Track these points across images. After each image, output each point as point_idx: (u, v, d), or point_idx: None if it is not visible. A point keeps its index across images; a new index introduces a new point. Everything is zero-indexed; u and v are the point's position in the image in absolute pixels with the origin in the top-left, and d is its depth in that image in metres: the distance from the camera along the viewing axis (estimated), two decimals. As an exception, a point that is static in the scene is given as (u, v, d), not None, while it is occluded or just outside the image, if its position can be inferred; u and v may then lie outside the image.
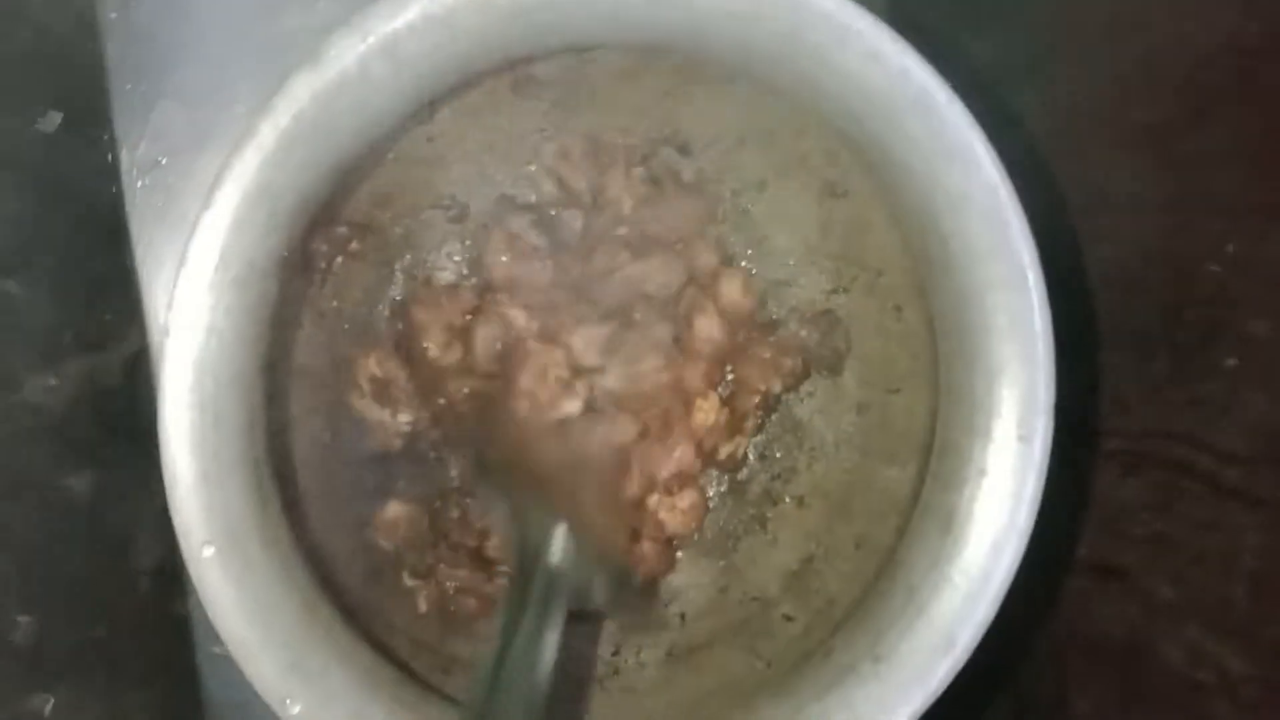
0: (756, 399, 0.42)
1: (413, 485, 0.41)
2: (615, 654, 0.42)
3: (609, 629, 0.42)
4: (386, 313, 0.40)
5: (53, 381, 0.52)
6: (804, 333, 0.42)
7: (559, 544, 0.34)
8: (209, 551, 0.28)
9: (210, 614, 0.29)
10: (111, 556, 0.52)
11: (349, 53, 0.28)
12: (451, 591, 0.40)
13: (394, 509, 0.40)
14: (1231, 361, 0.51)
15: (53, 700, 0.46)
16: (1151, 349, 0.53)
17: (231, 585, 0.28)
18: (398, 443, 0.40)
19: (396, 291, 0.41)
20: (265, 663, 0.29)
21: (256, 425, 0.30)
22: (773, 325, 0.42)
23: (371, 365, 0.39)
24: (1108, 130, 0.54)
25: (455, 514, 0.41)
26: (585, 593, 0.34)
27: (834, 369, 0.43)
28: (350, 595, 0.38)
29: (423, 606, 0.40)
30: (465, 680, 0.38)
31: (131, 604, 0.52)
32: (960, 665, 0.33)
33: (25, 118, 0.48)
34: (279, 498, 0.31)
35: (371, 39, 0.28)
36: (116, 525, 0.51)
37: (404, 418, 0.40)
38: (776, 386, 0.42)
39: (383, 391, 0.39)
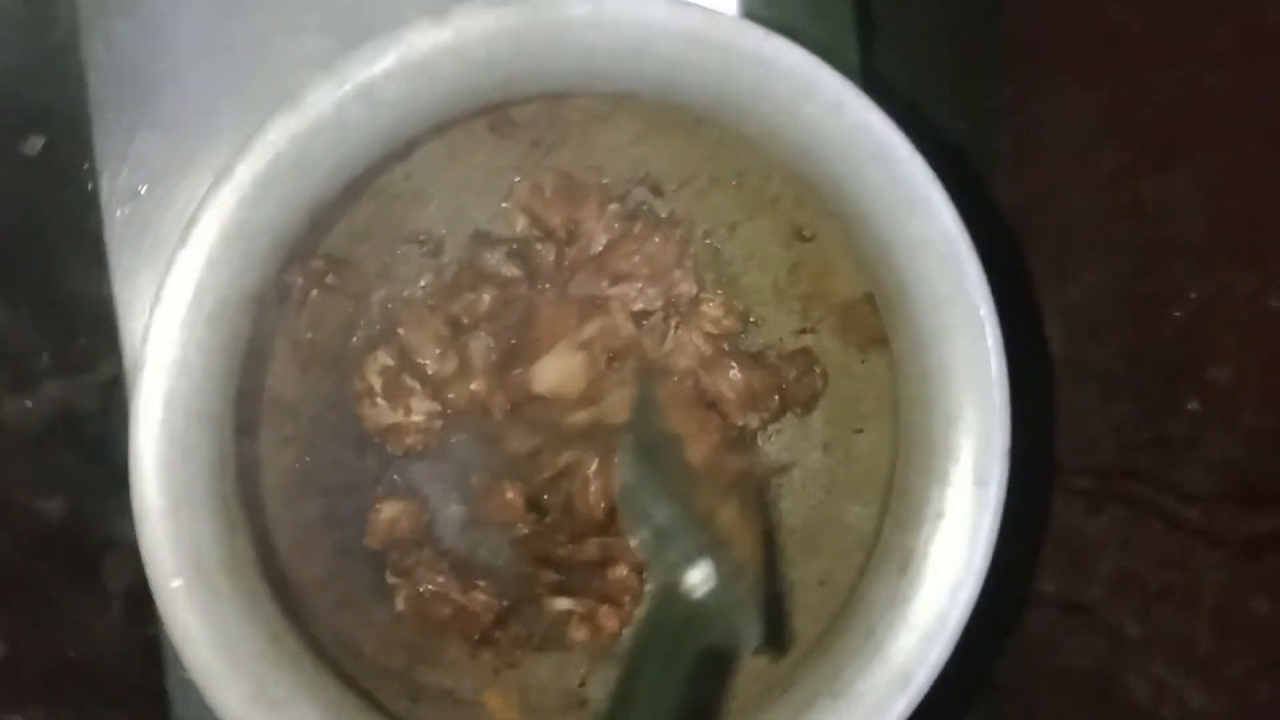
0: (733, 433, 0.43)
1: (415, 483, 0.42)
2: (581, 685, 0.42)
3: (575, 659, 0.42)
4: (361, 344, 0.41)
5: (29, 404, 0.52)
6: (783, 369, 0.43)
7: (704, 573, 0.31)
8: (177, 583, 0.28)
9: (177, 644, 0.29)
10: (84, 579, 0.52)
11: (326, 97, 0.29)
12: (428, 595, 0.41)
13: (391, 507, 0.41)
14: (1193, 405, 0.52)
15: (23, 721, 0.46)
16: (1116, 388, 0.54)
17: (198, 616, 0.29)
18: (418, 442, 0.40)
19: (374, 322, 0.41)
20: (230, 693, 0.29)
21: (226, 458, 0.30)
22: (754, 359, 0.43)
23: (381, 358, 0.39)
24: (1079, 174, 0.55)
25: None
26: (727, 630, 0.31)
27: (807, 407, 0.43)
28: (319, 624, 0.38)
29: (400, 605, 0.40)
30: (433, 710, 0.39)
31: (103, 626, 0.52)
32: (916, 702, 0.34)
33: (8, 140, 0.49)
34: (248, 529, 0.31)
35: (349, 85, 0.29)
36: (89, 548, 0.52)
37: (420, 411, 0.40)
38: (753, 422, 0.43)
39: (394, 386, 0.40)
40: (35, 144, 0.49)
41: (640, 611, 0.40)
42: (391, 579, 0.41)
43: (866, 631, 0.35)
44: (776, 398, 0.42)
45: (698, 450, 0.36)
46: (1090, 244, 0.56)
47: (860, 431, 0.42)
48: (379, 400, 0.38)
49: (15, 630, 0.52)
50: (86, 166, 0.43)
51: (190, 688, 0.46)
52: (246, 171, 0.29)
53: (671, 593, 0.30)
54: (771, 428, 0.44)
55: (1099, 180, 0.55)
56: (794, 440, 0.44)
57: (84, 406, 0.51)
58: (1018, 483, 0.48)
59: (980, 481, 0.34)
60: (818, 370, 0.42)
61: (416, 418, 0.40)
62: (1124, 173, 0.55)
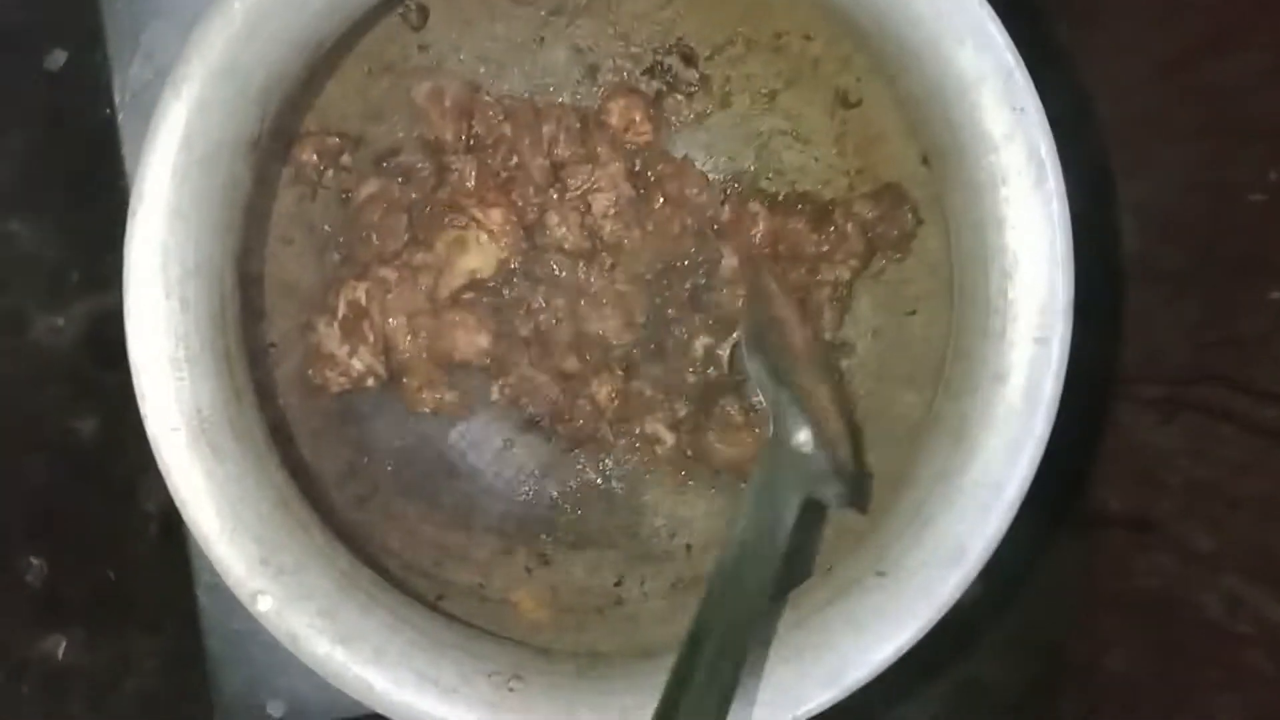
0: (826, 290, 0.41)
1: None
2: (618, 584, 0.40)
3: (611, 558, 0.41)
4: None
5: (60, 322, 0.52)
6: (864, 211, 0.40)
7: (808, 436, 0.35)
8: (177, 437, 0.27)
9: (177, 502, 0.28)
10: (119, 500, 0.52)
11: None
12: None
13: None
14: (1275, 295, 0.49)
15: (65, 642, 0.46)
16: (1189, 287, 0.51)
17: (200, 473, 0.27)
18: (341, 384, 0.38)
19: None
20: (235, 556, 0.27)
21: (228, 314, 0.29)
22: (824, 211, 0.40)
23: (358, 290, 0.37)
24: (1138, 60, 0.52)
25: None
26: (823, 485, 0.35)
27: (900, 247, 0.40)
28: (340, 517, 0.37)
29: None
30: (459, 605, 0.37)
31: (139, 547, 0.52)
32: (971, 578, 0.31)
33: (32, 55, 0.47)
34: (254, 394, 0.30)
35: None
36: (123, 468, 0.51)
37: (360, 363, 0.38)
38: (844, 274, 0.40)
39: (354, 325, 0.38)
40: (58, 58, 0.48)
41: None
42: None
43: (915, 508, 0.32)
44: (860, 243, 0.39)
45: (797, 336, 0.39)
46: (1156, 134, 0.52)
47: (912, 313, 0.39)
48: (335, 325, 0.36)
49: (55, 552, 0.51)
50: (99, 59, 0.41)
51: (218, 596, 0.46)
52: (238, 4, 0.27)
53: (784, 446, 0.35)
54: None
55: (1160, 66, 0.52)
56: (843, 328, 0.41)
57: (115, 323, 0.50)
58: (1083, 395, 0.45)
59: (1041, 339, 0.31)
60: (906, 207, 0.39)
61: (356, 364, 0.38)
62: (1185, 57, 0.52)
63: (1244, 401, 0.49)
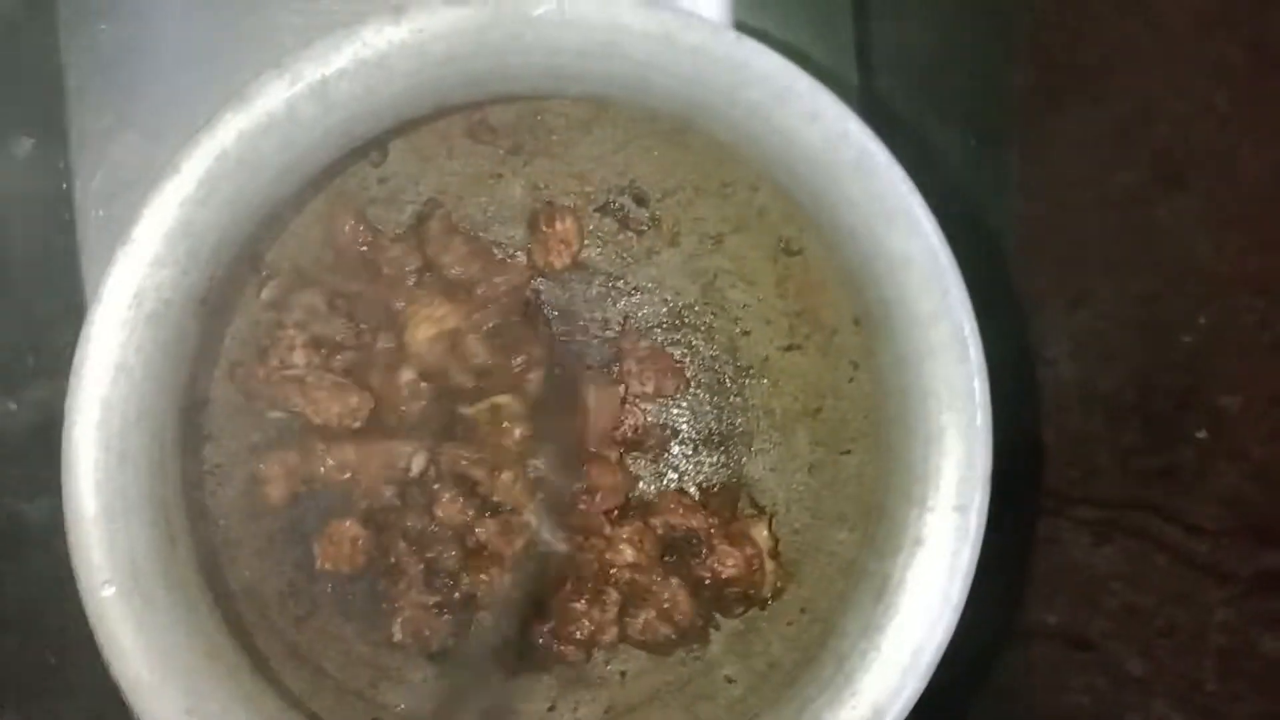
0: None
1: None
2: (551, 709, 0.41)
3: (546, 683, 0.41)
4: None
5: (12, 407, 0.52)
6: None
7: None
8: (108, 591, 0.27)
9: (106, 655, 0.28)
10: (65, 583, 0.52)
11: (277, 95, 0.28)
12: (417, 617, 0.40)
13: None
14: (1202, 434, 0.50)
15: (-1, 725, 0.46)
16: (1125, 416, 0.52)
17: (130, 626, 0.28)
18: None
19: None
20: (161, 707, 0.28)
21: (169, 465, 0.29)
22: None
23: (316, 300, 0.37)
24: (1089, 194, 0.54)
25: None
26: None
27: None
28: (277, 639, 0.37)
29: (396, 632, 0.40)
30: (390, 731, 0.38)
31: (83, 632, 0.52)
32: (886, 740, 0.32)
33: (-1, 143, 0.48)
34: (190, 539, 0.30)
35: (301, 84, 0.28)
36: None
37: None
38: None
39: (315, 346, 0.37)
40: (25, 145, 0.49)
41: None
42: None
43: (838, 661, 0.33)
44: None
45: None
46: (1100, 266, 0.54)
47: (847, 453, 0.40)
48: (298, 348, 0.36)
49: (-5, 635, 0.51)
50: (62, 165, 0.42)
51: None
52: (191, 169, 0.28)
53: None
54: (754, 447, 0.43)
55: (1109, 201, 0.53)
56: (779, 461, 0.42)
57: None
58: (1022, 513, 0.46)
59: (960, 508, 0.32)
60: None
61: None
62: (1135, 193, 0.53)
63: (1175, 533, 0.50)
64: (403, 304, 0.37)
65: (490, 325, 0.38)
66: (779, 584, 0.40)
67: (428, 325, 0.37)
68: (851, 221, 0.32)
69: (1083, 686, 0.55)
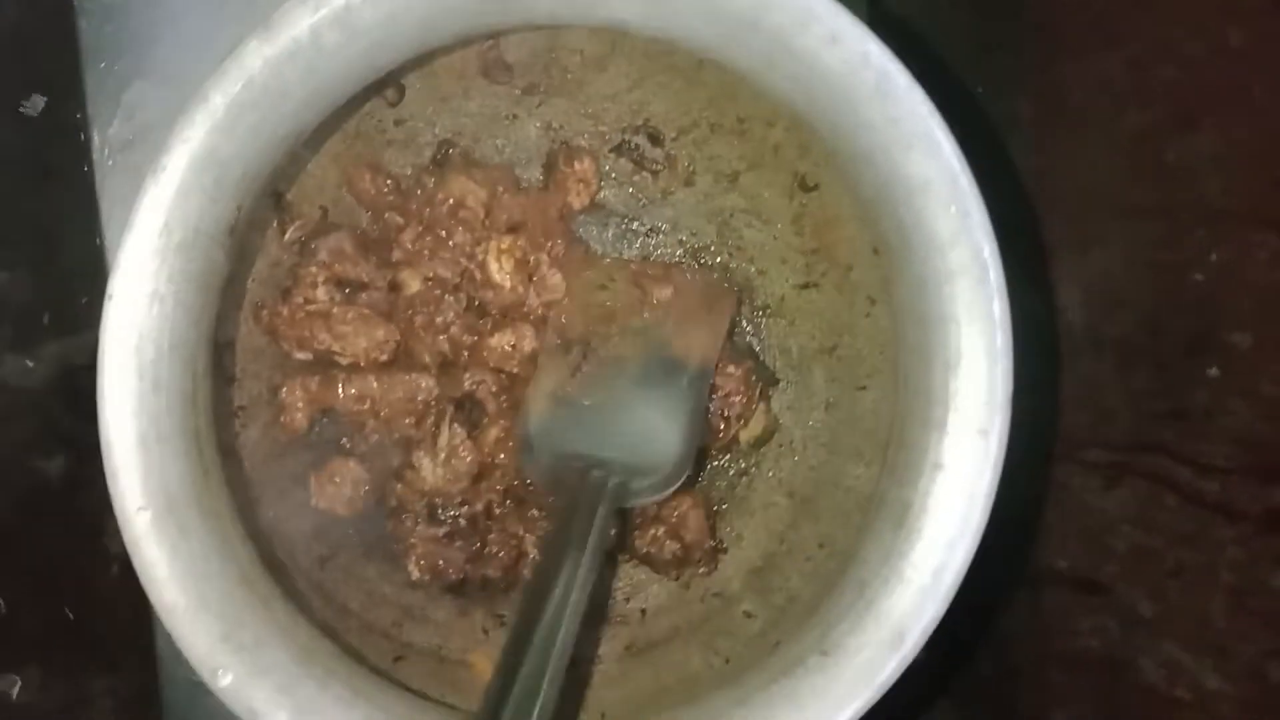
0: None
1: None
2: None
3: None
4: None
5: (29, 364, 0.52)
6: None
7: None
8: (144, 516, 0.28)
9: (143, 580, 0.29)
10: (82, 538, 0.52)
11: (302, 21, 0.28)
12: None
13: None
14: (1213, 372, 0.50)
15: (20, 682, 0.46)
16: (1136, 359, 0.53)
17: (165, 551, 0.28)
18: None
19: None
20: (197, 632, 0.28)
21: (200, 395, 0.30)
22: None
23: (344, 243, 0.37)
24: (1098, 134, 0.54)
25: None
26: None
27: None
28: (303, 578, 0.37)
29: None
30: (417, 668, 0.38)
31: (101, 587, 0.52)
32: (909, 660, 0.32)
33: (10, 102, 0.48)
34: (221, 471, 0.30)
35: (325, 9, 0.28)
36: (89, 508, 0.51)
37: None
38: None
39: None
40: (37, 104, 0.49)
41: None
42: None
43: (859, 588, 0.33)
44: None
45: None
46: (1112, 210, 0.54)
47: (863, 389, 0.41)
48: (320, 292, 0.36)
49: (14, 590, 0.51)
50: (79, 116, 0.42)
51: (176, 646, 0.46)
52: (219, 96, 0.28)
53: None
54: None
55: (1121, 143, 0.53)
56: (795, 399, 0.43)
57: (84, 366, 0.50)
58: (1032, 458, 0.47)
59: (981, 431, 0.32)
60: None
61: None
62: (1146, 135, 0.53)
63: (1186, 473, 0.50)
64: (459, 239, 0.37)
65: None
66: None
67: (506, 257, 0.37)
68: (869, 147, 0.32)
69: (1092, 629, 0.56)
